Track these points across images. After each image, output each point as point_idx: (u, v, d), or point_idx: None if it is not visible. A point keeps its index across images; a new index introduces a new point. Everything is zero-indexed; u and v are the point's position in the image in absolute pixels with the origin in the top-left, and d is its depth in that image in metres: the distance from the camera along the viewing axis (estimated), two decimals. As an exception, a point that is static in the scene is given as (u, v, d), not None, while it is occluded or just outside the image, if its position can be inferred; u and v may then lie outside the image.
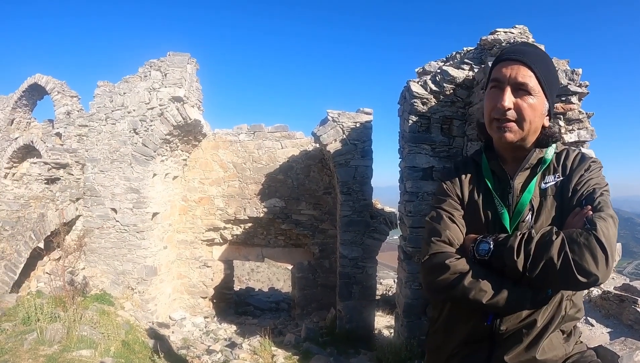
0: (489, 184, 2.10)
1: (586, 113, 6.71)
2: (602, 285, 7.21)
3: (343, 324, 11.22)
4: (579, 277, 1.63)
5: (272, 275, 27.77)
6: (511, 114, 1.92)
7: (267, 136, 13.48)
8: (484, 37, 7.74)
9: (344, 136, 11.06)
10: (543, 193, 2.00)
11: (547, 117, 2.03)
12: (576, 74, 6.75)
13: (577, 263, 1.63)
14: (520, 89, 1.92)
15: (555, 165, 2.05)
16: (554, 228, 1.78)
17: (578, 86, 6.70)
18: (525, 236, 1.78)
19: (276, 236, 14.06)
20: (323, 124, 11.20)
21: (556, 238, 1.70)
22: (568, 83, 6.70)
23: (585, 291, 7.20)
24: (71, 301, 9.70)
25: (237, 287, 20.52)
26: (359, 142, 11.12)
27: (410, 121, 8.06)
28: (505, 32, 7.85)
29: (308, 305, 13.38)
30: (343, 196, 11.18)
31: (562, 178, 1.99)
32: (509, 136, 1.95)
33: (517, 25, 8.02)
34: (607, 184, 1.95)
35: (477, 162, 2.23)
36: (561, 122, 6.72)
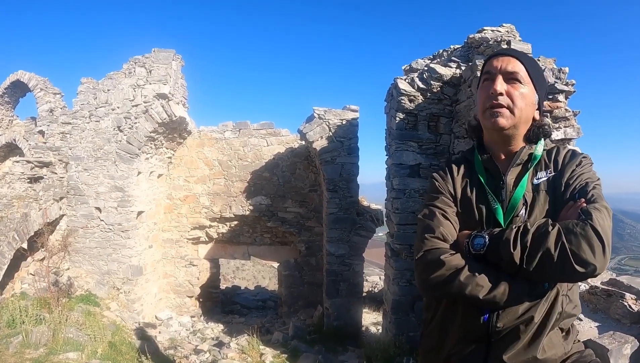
0: (482, 180, 2.12)
1: (572, 111, 6.76)
2: (589, 280, 7.26)
3: (331, 322, 11.22)
4: (577, 267, 1.63)
5: (257, 273, 27.77)
6: (503, 100, 1.98)
7: (252, 134, 13.44)
8: (471, 35, 7.81)
9: (330, 133, 11.05)
10: (535, 188, 2.02)
11: (537, 111, 2.10)
12: (563, 72, 6.80)
13: (575, 253, 1.64)
14: (511, 78, 2.00)
15: (547, 161, 2.08)
16: (549, 220, 1.78)
17: (565, 85, 6.76)
18: (521, 228, 1.78)
19: (262, 234, 14.04)
20: (309, 121, 11.19)
21: (552, 229, 1.71)
22: (555, 82, 6.75)
23: (580, 286, 7.25)
24: (56, 302, 9.62)
25: (223, 286, 20.48)
26: (345, 139, 11.12)
27: (397, 118, 8.10)
28: (492, 30, 7.90)
29: (295, 303, 13.37)
30: (329, 194, 11.16)
31: (554, 174, 2.03)
32: (502, 121, 1.99)
33: (504, 24, 8.07)
34: (599, 179, 1.98)
35: (469, 159, 2.25)
36: (548, 120, 6.76)
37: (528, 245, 1.71)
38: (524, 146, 2.08)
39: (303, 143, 12.41)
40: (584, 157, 2.05)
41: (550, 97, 6.75)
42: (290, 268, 13.41)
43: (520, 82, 2.00)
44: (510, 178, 2.06)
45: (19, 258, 11.39)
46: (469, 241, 1.90)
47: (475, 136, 2.26)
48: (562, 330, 1.94)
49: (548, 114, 6.79)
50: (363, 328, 11.84)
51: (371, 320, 13.24)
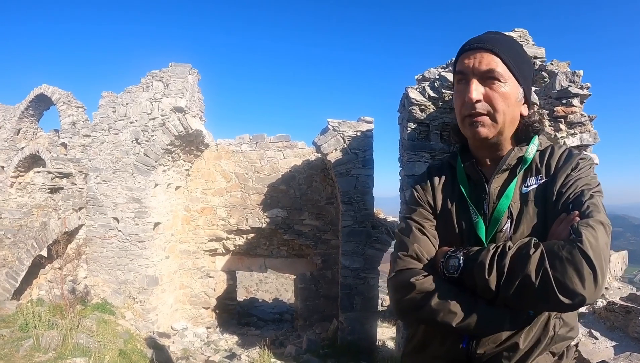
0: (463, 191, 1.90)
1: (588, 116, 6.63)
2: (607, 296, 7.07)
3: (345, 336, 11.10)
4: (562, 298, 1.41)
5: (280, 286, 27.70)
6: (481, 107, 1.74)
7: (269, 146, 13.50)
8: None
9: (345, 145, 11.03)
10: (524, 197, 1.78)
11: (525, 105, 1.86)
12: (577, 75, 6.68)
13: (559, 281, 1.41)
14: (488, 78, 1.75)
15: (538, 165, 1.83)
16: (533, 239, 1.55)
17: (579, 88, 6.63)
18: (499, 249, 1.56)
19: (279, 246, 14.01)
20: (324, 133, 11.18)
21: (534, 252, 1.48)
22: (569, 85, 6.64)
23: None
24: (69, 309, 9.75)
25: (244, 297, 20.48)
26: (360, 151, 11.08)
27: (409, 129, 8.01)
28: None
29: (310, 317, 13.30)
30: (344, 206, 11.12)
31: (545, 180, 1.77)
32: (483, 131, 1.77)
33: (516, 29, 7.98)
34: (598, 184, 1.71)
35: (452, 166, 2.03)
36: (562, 126, 6.65)
37: (505, 270, 1.50)
38: (512, 149, 1.84)
39: (319, 155, 12.37)
40: (581, 158, 1.77)
41: (564, 102, 6.65)
42: (306, 281, 13.35)
43: (500, 80, 1.74)
44: (495, 186, 1.83)
45: (37, 265, 11.63)
46: (444, 261, 1.70)
47: (459, 140, 2.02)
48: (554, 354, 1.70)
49: (562, 120, 6.69)
50: (380, 343, 11.72)
51: (390, 334, 13.12)
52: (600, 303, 6.89)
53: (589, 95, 6.67)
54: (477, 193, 1.87)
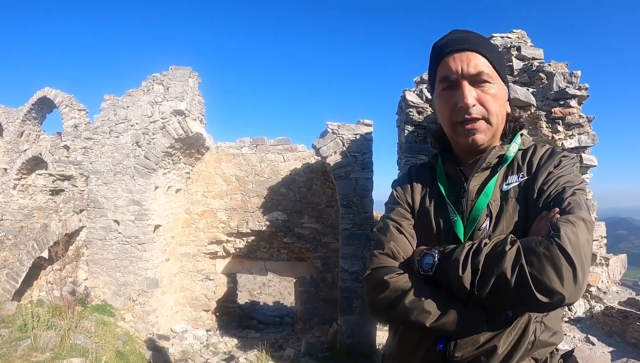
0: (442, 189, 1.86)
1: (587, 117, 6.62)
2: (604, 300, 7.04)
3: (344, 339, 11.08)
4: (539, 296, 1.35)
5: (283, 289, 27.63)
6: (477, 111, 1.70)
7: (269, 149, 13.52)
8: None
9: (344, 148, 11.02)
10: (504, 195, 1.74)
11: (507, 102, 1.85)
12: (575, 76, 6.67)
13: (536, 278, 1.35)
14: (478, 80, 1.71)
15: (520, 163, 1.80)
16: (510, 236, 1.51)
17: (577, 89, 6.62)
18: (474, 246, 1.53)
19: (279, 249, 14.02)
20: (323, 137, 11.19)
21: (510, 248, 1.43)
22: (567, 86, 6.63)
23: (584, 307, 7.01)
24: (68, 310, 9.81)
25: (246, 300, 20.46)
26: (359, 154, 11.06)
27: (406, 131, 8.01)
28: (502, 37, 7.82)
29: (310, 320, 13.29)
30: (343, 209, 11.11)
31: (527, 177, 1.75)
32: (480, 137, 1.74)
33: (514, 30, 7.99)
34: (581, 181, 1.69)
35: (433, 166, 2.00)
36: (560, 128, 6.65)
37: (480, 267, 1.46)
38: (494, 147, 1.81)
39: (319, 158, 12.38)
40: (563, 156, 1.75)
41: (562, 103, 6.64)
42: (306, 284, 13.35)
43: (489, 82, 1.72)
44: (474, 184, 1.80)
45: (38, 266, 11.72)
46: (419, 259, 1.65)
47: (440, 146, 1.98)
48: (536, 360, 1.64)
49: (560, 121, 6.69)
50: (379, 347, 11.70)
51: (392, 338, 13.12)
52: (598, 307, 6.86)
53: (588, 96, 6.66)
54: (456, 192, 1.84)
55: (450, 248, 1.60)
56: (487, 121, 1.72)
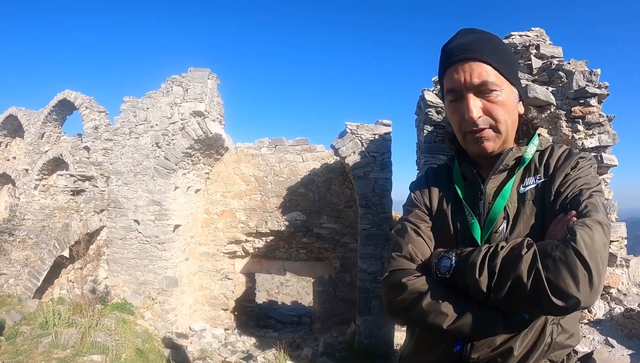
0: (459, 191, 1.86)
1: (607, 116, 6.54)
2: (624, 302, 6.94)
3: (362, 339, 11.06)
4: (555, 300, 1.34)
5: (301, 289, 27.60)
6: (483, 122, 1.68)
7: (288, 150, 13.56)
8: None
9: (363, 148, 11.03)
10: (521, 197, 1.73)
11: (520, 103, 1.81)
12: (595, 75, 6.59)
13: (552, 282, 1.35)
14: (483, 90, 1.68)
15: (537, 165, 1.78)
16: (527, 239, 1.51)
17: (597, 88, 6.53)
18: (491, 249, 1.52)
19: (297, 249, 14.03)
20: (342, 137, 11.20)
21: (526, 252, 1.43)
22: (586, 85, 6.54)
23: (604, 309, 6.91)
24: (88, 308, 9.91)
25: (264, 300, 20.49)
26: (378, 154, 11.07)
27: (425, 131, 7.97)
28: (520, 35, 7.73)
29: (328, 320, 13.28)
30: (362, 209, 11.11)
31: (544, 179, 1.72)
32: (489, 145, 1.72)
33: (532, 28, 7.90)
34: (599, 183, 1.66)
35: (450, 168, 1.99)
36: (580, 127, 6.59)
37: (496, 270, 1.46)
38: (511, 149, 1.78)
39: (338, 158, 12.38)
40: (581, 157, 1.72)
41: (581, 101, 6.57)
42: (324, 284, 13.34)
43: (495, 90, 1.68)
44: (491, 186, 1.79)
45: (59, 265, 11.87)
46: (436, 262, 1.65)
47: (455, 147, 1.93)
48: (552, 362, 1.64)
49: (580, 120, 6.63)
50: (397, 348, 11.65)
51: (410, 339, 13.05)
52: (618, 309, 6.77)
53: (608, 94, 6.57)
54: (473, 194, 1.83)
55: (468, 251, 1.60)
56: (495, 129, 1.71)
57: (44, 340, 8.49)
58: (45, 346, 8.32)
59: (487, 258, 1.49)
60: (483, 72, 1.66)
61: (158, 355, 9.69)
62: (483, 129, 1.69)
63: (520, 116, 1.81)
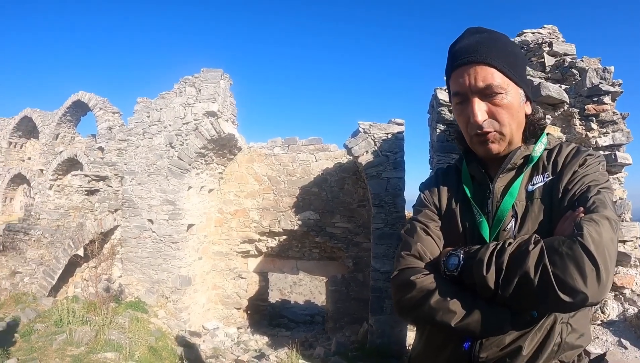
0: (467, 190, 1.88)
1: (621, 114, 6.48)
2: (638, 302, 6.87)
3: (374, 339, 11.03)
4: (562, 295, 1.35)
5: (314, 289, 27.61)
6: (488, 125, 1.70)
7: (301, 149, 13.57)
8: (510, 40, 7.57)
9: (376, 148, 11.00)
10: (529, 196, 1.75)
11: (527, 103, 1.80)
12: (608, 72, 6.53)
13: (559, 278, 1.35)
14: (487, 93, 1.69)
15: (545, 163, 1.79)
16: (534, 236, 1.52)
17: (610, 85, 6.47)
18: (498, 247, 1.54)
19: (311, 249, 14.03)
20: (354, 136, 11.18)
21: (533, 248, 1.43)
22: (600, 82, 6.49)
23: (617, 310, 6.84)
24: (102, 306, 10.00)
25: (277, 299, 20.52)
26: (391, 153, 11.03)
27: (438, 130, 7.94)
28: (533, 32, 7.67)
29: (341, 319, 13.26)
30: (375, 209, 11.08)
31: (552, 177, 1.74)
32: (495, 147, 1.74)
33: (545, 25, 7.85)
34: (607, 180, 1.66)
35: (459, 168, 2.01)
36: (594, 125, 6.54)
37: (504, 267, 1.46)
38: (519, 148, 1.79)
39: (351, 158, 12.36)
40: (589, 155, 1.72)
41: (595, 99, 6.53)
42: (337, 284, 13.32)
43: (500, 93, 1.68)
44: (499, 185, 1.80)
45: (73, 264, 11.97)
46: (445, 260, 1.67)
47: (463, 147, 1.94)
48: None
49: (594, 118, 6.58)
50: (409, 348, 11.60)
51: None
52: (632, 310, 6.69)
53: (621, 92, 6.51)
54: (481, 193, 1.85)
55: (475, 249, 1.61)
56: (500, 132, 1.72)
57: (59, 337, 8.58)
58: (59, 343, 8.42)
59: (494, 255, 1.51)
60: (488, 75, 1.67)
61: (171, 353, 9.75)
62: (488, 132, 1.70)
63: (527, 116, 1.81)
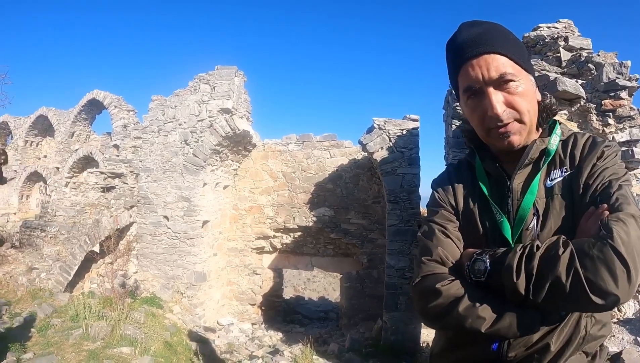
0: (484, 189, 1.82)
1: (638, 109, 6.42)
2: None
3: (388, 336, 11.01)
4: (594, 298, 1.33)
5: (327, 285, 27.64)
6: (508, 116, 1.64)
7: (315, 146, 13.58)
8: (526, 34, 7.50)
9: (391, 144, 10.97)
10: (549, 192, 1.70)
11: (537, 90, 1.76)
12: (625, 67, 6.47)
13: (591, 281, 1.32)
14: (502, 82, 1.63)
15: (562, 156, 1.74)
16: (562, 238, 1.47)
17: (627, 80, 6.40)
18: (527, 250, 1.48)
19: (325, 245, 14.03)
20: (369, 132, 11.16)
21: (563, 252, 1.40)
22: (616, 77, 6.42)
23: (634, 309, 6.77)
24: (118, 302, 10.08)
25: (291, 295, 20.54)
26: (406, 149, 11.00)
27: (453, 126, 7.90)
28: (548, 27, 7.59)
29: (355, 315, 13.26)
30: (390, 205, 11.06)
31: (570, 171, 1.69)
32: (516, 139, 1.68)
33: (560, 20, 7.77)
34: (625, 172, 1.62)
35: (472, 164, 1.94)
36: (611, 121, 6.48)
37: (534, 272, 1.42)
38: (535, 141, 1.73)
39: (365, 154, 12.34)
40: (606, 146, 1.68)
41: (612, 95, 6.46)
42: (351, 280, 13.32)
43: (514, 80, 1.63)
44: (518, 182, 1.75)
45: (89, 260, 12.07)
46: (470, 264, 1.62)
47: (474, 144, 1.90)
48: (587, 354, 1.64)
49: (611, 114, 6.52)
50: (423, 345, 11.54)
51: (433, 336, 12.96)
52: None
53: (638, 87, 6.45)
54: (499, 191, 1.80)
55: (501, 252, 1.56)
56: (520, 121, 1.66)
57: (75, 332, 8.69)
58: (75, 338, 8.52)
59: (523, 260, 1.47)
60: (500, 64, 1.62)
61: (186, 348, 9.81)
62: (508, 123, 1.65)
63: (538, 103, 1.75)
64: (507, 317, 1.48)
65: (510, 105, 1.63)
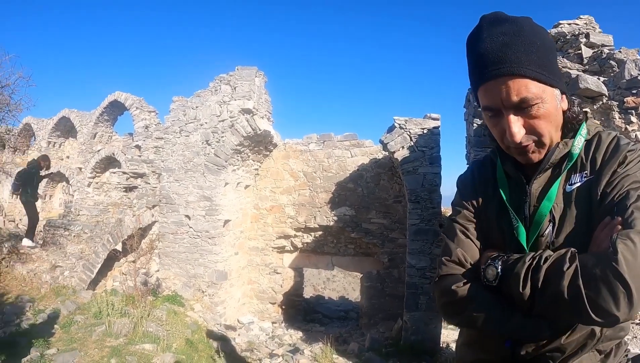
0: (503, 194, 1.82)
1: None
2: None
3: (408, 335, 10.99)
4: (594, 316, 1.34)
5: (347, 285, 27.67)
6: (527, 140, 1.62)
7: (336, 145, 13.58)
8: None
9: (411, 143, 10.96)
10: (567, 197, 1.68)
11: (563, 98, 1.68)
12: None
13: (592, 300, 1.33)
14: (523, 107, 1.56)
15: (584, 159, 1.70)
16: (570, 251, 1.45)
17: None
18: (534, 262, 1.50)
19: (346, 244, 14.03)
20: (390, 132, 11.16)
21: (568, 268, 1.40)
22: (639, 74, 6.38)
23: None
24: (141, 299, 10.22)
25: (311, 294, 20.58)
26: (427, 148, 10.98)
27: (474, 125, 7.90)
28: (569, 24, 7.55)
29: (375, 315, 13.24)
30: (411, 205, 11.04)
31: (590, 177, 1.65)
32: (535, 156, 1.67)
33: (581, 16, 7.71)
34: None
35: (494, 161, 1.94)
36: (633, 118, 6.42)
37: (539, 284, 1.45)
38: (558, 144, 1.70)
39: (386, 153, 12.35)
40: (629, 151, 1.61)
41: (634, 91, 6.38)
42: (372, 280, 13.29)
43: (536, 104, 1.56)
44: (536, 187, 1.74)
45: (112, 258, 12.21)
46: (484, 268, 1.65)
47: (495, 144, 1.83)
48: (600, 351, 1.66)
49: (633, 111, 6.46)
50: (443, 345, 11.50)
51: (454, 337, 12.84)
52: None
53: (662, 84, 6.41)
54: (517, 195, 1.79)
55: (513, 260, 1.59)
56: (539, 143, 1.64)
57: (98, 329, 8.81)
58: (98, 334, 8.64)
59: (530, 271, 1.49)
60: (522, 88, 1.54)
61: (207, 345, 9.88)
62: (527, 145, 1.63)
63: (564, 112, 1.70)
64: (515, 322, 1.55)
65: (530, 129, 1.61)
